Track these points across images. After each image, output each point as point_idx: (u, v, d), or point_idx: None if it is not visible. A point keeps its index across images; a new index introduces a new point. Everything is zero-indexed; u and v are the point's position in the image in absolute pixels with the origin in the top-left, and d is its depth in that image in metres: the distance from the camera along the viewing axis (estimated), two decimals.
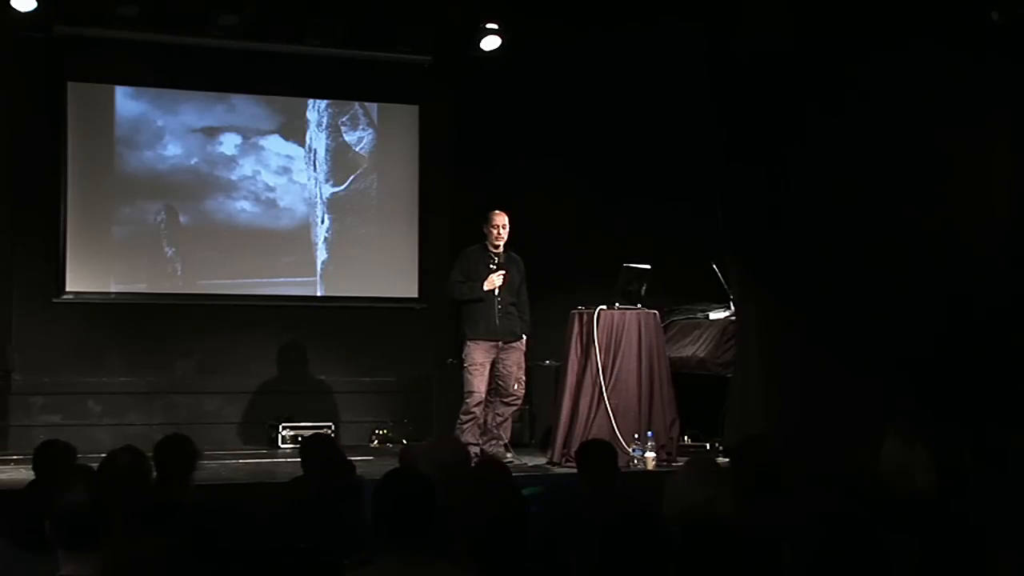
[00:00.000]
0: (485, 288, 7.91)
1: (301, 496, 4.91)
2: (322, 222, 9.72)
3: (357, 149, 9.85)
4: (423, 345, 9.70)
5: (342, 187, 9.79)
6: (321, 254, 9.71)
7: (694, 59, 8.68)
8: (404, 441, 9.25)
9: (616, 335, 7.93)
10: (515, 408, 8.17)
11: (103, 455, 4.48)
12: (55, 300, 8.96)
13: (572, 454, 7.06)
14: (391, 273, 9.86)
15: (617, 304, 8.02)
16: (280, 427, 9.04)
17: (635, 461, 7.62)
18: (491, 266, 7.96)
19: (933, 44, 7.49)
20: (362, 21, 9.08)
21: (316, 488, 4.88)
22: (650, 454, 7.64)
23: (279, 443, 9.01)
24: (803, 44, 7.88)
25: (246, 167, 9.53)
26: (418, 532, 3.23)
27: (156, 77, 9.26)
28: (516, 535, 3.91)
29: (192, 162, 9.41)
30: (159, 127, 9.32)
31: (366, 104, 9.88)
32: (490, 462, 5.04)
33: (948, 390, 7.17)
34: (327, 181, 9.74)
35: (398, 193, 9.91)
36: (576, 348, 7.99)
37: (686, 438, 8.67)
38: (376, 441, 9.35)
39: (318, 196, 9.71)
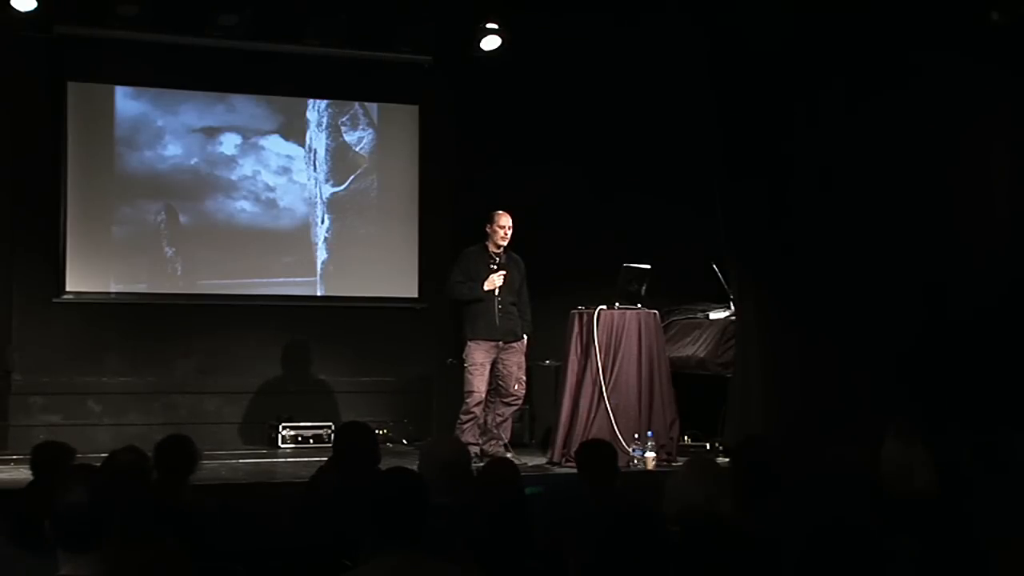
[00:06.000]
0: (485, 288, 7.92)
1: (327, 483, 4.85)
2: (322, 222, 9.72)
3: (357, 149, 9.85)
4: (423, 345, 9.70)
5: (342, 187, 9.79)
6: (321, 254, 9.71)
7: (695, 58, 8.68)
8: (404, 441, 9.28)
9: (616, 335, 7.93)
10: (515, 408, 8.18)
11: (103, 455, 4.48)
12: (55, 300, 8.95)
13: (572, 454, 7.06)
14: (391, 273, 9.86)
15: (617, 304, 8.01)
16: (280, 427, 9.04)
17: (635, 461, 7.62)
18: (491, 266, 7.98)
19: (933, 45, 7.50)
20: (362, 21, 9.08)
21: (341, 476, 4.81)
22: (650, 454, 7.64)
23: (279, 443, 9.00)
24: (803, 44, 7.88)
25: (246, 167, 9.53)
26: (412, 532, 3.23)
27: (156, 77, 9.26)
28: (518, 535, 3.91)
29: (192, 162, 9.41)
30: (159, 127, 9.32)
31: (366, 104, 9.87)
32: (499, 462, 5.03)
33: (948, 390, 7.18)
34: (327, 181, 9.74)
35: (398, 193, 9.91)
36: (576, 348, 7.99)
37: (686, 438, 8.67)
38: None
39: (318, 196, 9.71)
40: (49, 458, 4.68)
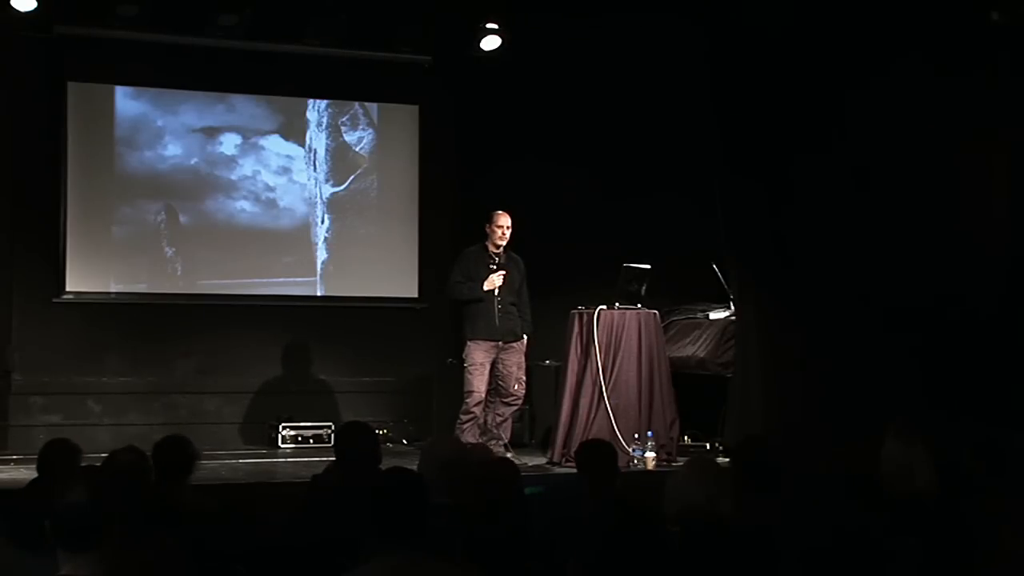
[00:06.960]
0: (485, 288, 7.92)
1: (328, 483, 4.85)
2: (322, 222, 9.72)
3: (357, 149, 9.86)
4: (423, 345, 9.70)
5: (342, 187, 9.79)
6: (321, 254, 9.71)
7: (695, 58, 8.68)
8: (404, 441, 9.28)
9: (616, 335, 7.93)
10: (515, 408, 8.18)
11: (103, 455, 4.48)
12: (55, 300, 8.95)
13: (572, 454, 7.06)
14: (391, 273, 9.86)
15: (617, 304, 8.01)
16: (280, 427, 9.04)
17: (635, 461, 7.62)
18: (491, 266, 7.98)
19: (933, 44, 7.49)
20: (362, 21, 9.08)
21: (341, 476, 4.81)
22: (650, 454, 7.64)
23: (279, 443, 9.01)
24: (803, 44, 7.88)
25: (246, 167, 9.53)
26: (412, 531, 3.23)
27: (156, 77, 9.26)
28: (518, 535, 3.91)
29: (192, 162, 9.41)
30: (159, 127, 9.32)
31: (366, 104, 9.87)
32: (499, 462, 5.03)
33: (948, 390, 7.17)
34: (327, 181, 9.74)
35: (398, 193, 9.91)
36: (576, 348, 7.99)
37: (686, 438, 8.67)
38: None
39: (318, 196, 9.71)
40: (56, 457, 4.67)
